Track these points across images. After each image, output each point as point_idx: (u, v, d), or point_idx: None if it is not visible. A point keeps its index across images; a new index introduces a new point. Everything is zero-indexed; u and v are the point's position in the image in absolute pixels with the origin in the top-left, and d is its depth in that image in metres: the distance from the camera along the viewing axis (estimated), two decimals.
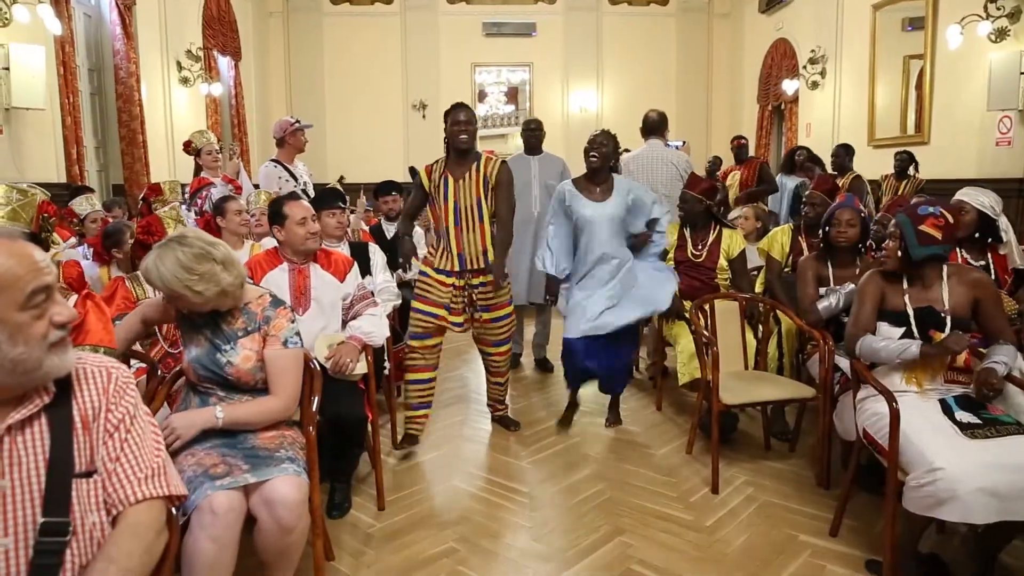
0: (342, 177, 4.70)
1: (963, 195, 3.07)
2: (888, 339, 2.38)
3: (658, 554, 2.47)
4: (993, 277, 2.94)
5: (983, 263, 3.01)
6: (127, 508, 1.29)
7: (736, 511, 2.77)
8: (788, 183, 6.45)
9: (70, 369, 1.25)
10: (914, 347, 2.30)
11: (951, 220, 2.39)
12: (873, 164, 7.17)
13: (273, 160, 4.46)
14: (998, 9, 5.54)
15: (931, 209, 2.38)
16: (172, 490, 1.35)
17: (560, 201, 3.53)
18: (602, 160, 3.46)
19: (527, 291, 4.64)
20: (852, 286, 2.86)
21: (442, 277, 3.35)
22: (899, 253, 2.39)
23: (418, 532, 2.64)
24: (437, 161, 3.42)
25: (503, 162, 3.37)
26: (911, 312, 2.39)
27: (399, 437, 3.45)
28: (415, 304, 3.37)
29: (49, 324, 1.18)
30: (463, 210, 3.30)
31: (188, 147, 4.68)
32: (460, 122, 3.30)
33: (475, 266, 3.33)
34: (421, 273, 3.44)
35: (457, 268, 3.33)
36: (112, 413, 1.31)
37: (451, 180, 3.31)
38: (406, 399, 3.47)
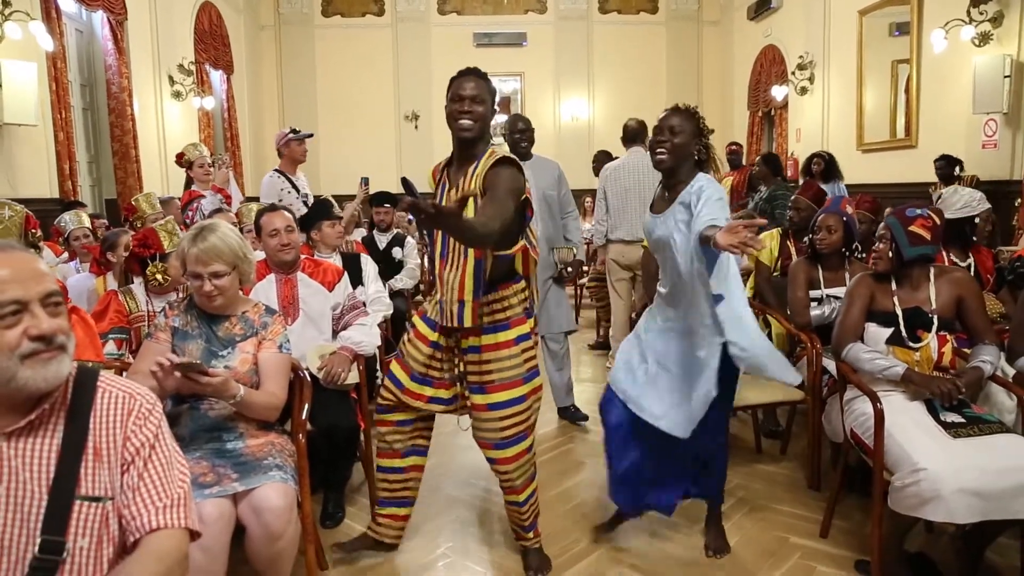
0: (366, 180, 4.64)
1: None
2: (875, 352, 2.40)
3: (650, 558, 2.49)
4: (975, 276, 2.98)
5: (967, 263, 3.06)
6: (144, 536, 1.26)
7: (728, 514, 2.77)
8: None
9: (57, 383, 1.23)
10: (898, 368, 2.32)
11: (938, 221, 2.43)
12: (863, 169, 7.22)
13: (276, 170, 4.49)
14: (980, 14, 5.61)
15: (919, 211, 2.42)
16: (190, 524, 1.31)
17: None
18: (673, 157, 2.27)
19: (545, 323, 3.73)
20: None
21: (424, 329, 2.37)
22: (890, 255, 2.42)
23: (411, 541, 2.64)
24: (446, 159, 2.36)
25: (504, 157, 2.18)
26: (900, 313, 2.42)
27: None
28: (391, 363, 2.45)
29: (22, 335, 1.17)
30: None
31: (180, 159, 4.70)
32: (463, 97, 2.17)
33: (450, 322, 2.24)
34: (409, 323, 2.47)
35: (436, 320, 2.33)
36: (131, 441, 1.29)
37: (448, 187, 2.29)
38: (375, 489, 2.58)
